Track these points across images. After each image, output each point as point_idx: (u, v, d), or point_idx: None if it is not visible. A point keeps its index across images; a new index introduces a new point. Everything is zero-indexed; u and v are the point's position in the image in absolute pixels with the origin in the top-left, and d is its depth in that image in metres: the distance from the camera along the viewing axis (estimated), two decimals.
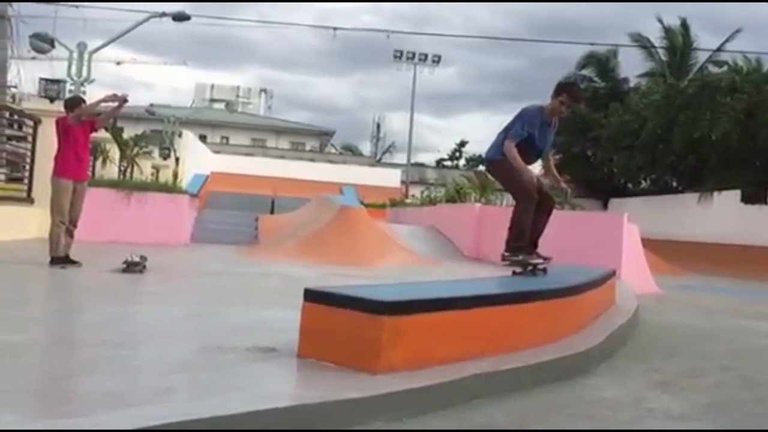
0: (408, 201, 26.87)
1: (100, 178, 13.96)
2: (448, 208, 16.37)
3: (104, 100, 7.38)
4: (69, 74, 18.60)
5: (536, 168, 5.68)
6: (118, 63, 41.96)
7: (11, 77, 16.64)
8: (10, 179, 11.95)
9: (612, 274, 6.41)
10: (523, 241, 5.16)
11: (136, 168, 24.35)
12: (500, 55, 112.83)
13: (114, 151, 20.55)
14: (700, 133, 20.12)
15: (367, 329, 3.13)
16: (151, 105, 43.58)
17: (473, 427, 2.94)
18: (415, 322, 3.26)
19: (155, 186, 13.74)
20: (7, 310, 4.39)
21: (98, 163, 18.78)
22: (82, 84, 18.18)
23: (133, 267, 6.80)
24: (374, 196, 29.68)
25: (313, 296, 3.38)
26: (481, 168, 25.35)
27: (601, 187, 26.95)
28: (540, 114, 5.26)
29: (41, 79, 20.51)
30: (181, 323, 4.51)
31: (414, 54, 39.94)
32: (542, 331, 4.15)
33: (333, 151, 59.20)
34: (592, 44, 29.72)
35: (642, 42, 27.52)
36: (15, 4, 14.69)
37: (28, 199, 10.23)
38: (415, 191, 33.71)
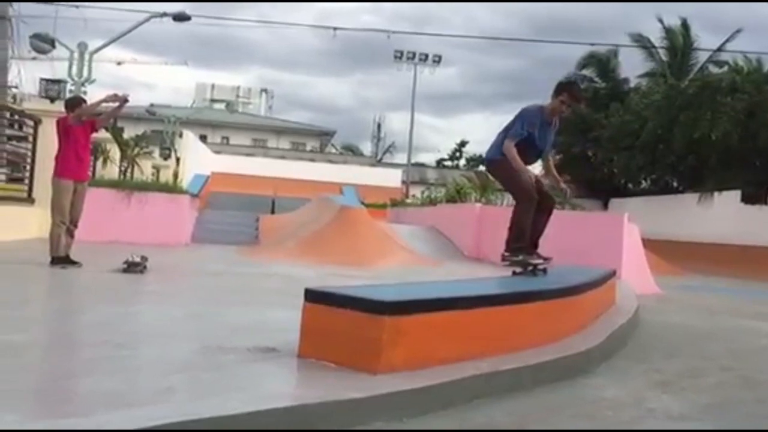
0: (408, 201, 26.86)
1: (100, 178, 13.97)
2: (449, 208, 16.37)
3: (105, 101, 7.38)
4: (69, 74, 18.61)
5: (537, 168, 5.68)
6: (119, 63, 42.00)
7: (12, 77, 16.67)
8: (11, 179, 11.96)
9: (612, 274, 6.41)
10: (523, 241, 5.15)
11: (136, 168, 24.35)
12: (501, 55, 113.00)
13: (114, 152, 20.57)
14: (701, 134, 20.12)
15: (368, 329, 3.13)
16: (152, 105, 43.57)
17: (474, 427, 2.94)
18: (415, 322, 3.26)
19: (156, 186, 13.74)
20: (7, 310, 4.39)
21: (99, 163, 18.80)
22: (82, 84, 18.18)
23: (133, 267, 6.80)
24: (375, 196, 29.66)
25: (313, 296, 3.38)
26: (482, 168, 25.35)
27: (602, 187, 26.95)
28: (540, 113, 5.25)
29: (42, 79, 20.49)
30: (181, 323, 4.52)
31: (414, 54, 39.92)
32: (543, 331, 4.15)
33: (333, 151, 59.21)
34: (592, 44, 29.72)
35: (642, 42, 27.52)
36: (15, 5, 14.70)
37: (29, 199, 10.24)
38: (416, 191, 33.71)
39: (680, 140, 21.08)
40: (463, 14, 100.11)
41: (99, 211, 9.59)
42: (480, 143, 75.77)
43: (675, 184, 25.30)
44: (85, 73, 18.31)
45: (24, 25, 16.13)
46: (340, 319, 3.22)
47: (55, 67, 23.28)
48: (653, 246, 13.20)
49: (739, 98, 19.87)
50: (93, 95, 14.71)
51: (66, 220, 6.99)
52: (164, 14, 19.10)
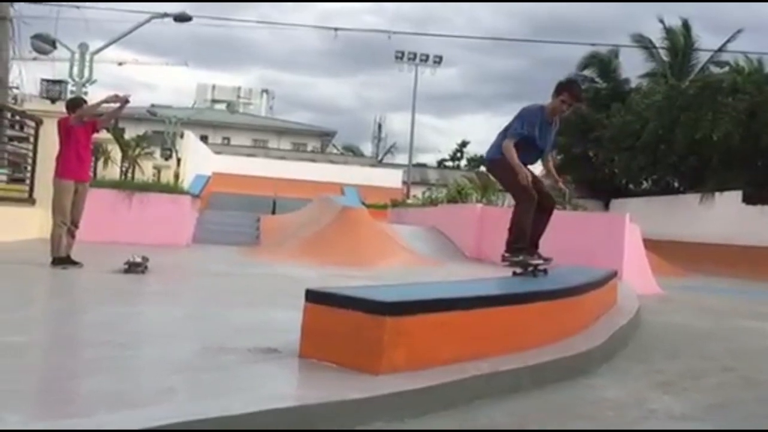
0: (409, 201, 26.85)
1: (101, 178, 13.98)
2: (450, 209, 16.37)
3: (106, 101, 7.39)
4: (71, 75, 18.63)
5: (537, 168, 5.68)
6: (120, 64, 42.14)
7: (13, 78, 16.65)
8: (12, 180, 11.98)
9: (613, 274, 6.41)
10: (523, 241, 5.15)
11: (137, 169, 24.37)
12: (502, 55, 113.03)
13: (116, 152, 20.59)
14: (702, 134, 20.09)
15: (369, 330, 3.13)
16: (153, 106, 43.60)
17: (475, 428, 2.94)
18: (416, 322, 3.26)
19: (157, 187, 13.76)
20: (9, 311, 4.40)
21: (100, 163, 18.82)
22: (83, 85, 18.19)
23: (134, 268, 6.80)
24: (376, 196, 29.66)
25: (314, 297, 3.38)
26: (483, 169, 25.34)
27: (603, 187, 26.92)
28: (540, 113, 5.25)
29: (43, 80, 20.56)
30: (182, 324, 4.52)
31: (415, 55, 39.89)
32: (544, 331, 4.15)
33: (334, 151, 59.22)
34: (593, 45, 29.72)
35: (643, 42, 27.49)
36: (16, 5, 14.68)
37: (30, 200, 10.25)
38: (417, 192, 33.70)
39: (681, 141, 21.06)
40: (465, 15, 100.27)
41: (100, 211, 9.60)
42: (481, 144, 75.91)
43: (676, 184, 25.26)
44: (86, 74, 18.32)
45: (25, 25, 16.09)
46: (341, 319, 3.22)
47: (56, 67, 23.32)
48: (654, 246, 13.19)
49: (741, 99, 19.84)
50: (94, 96, 14.71)
51: (67, 220, 7.00)
52: (165, 15, 19.09)
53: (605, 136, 25.18)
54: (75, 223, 7.12)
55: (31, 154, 10.63)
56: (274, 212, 22.81)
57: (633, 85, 28.23)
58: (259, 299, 5.93)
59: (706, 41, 30.74)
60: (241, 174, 34.75)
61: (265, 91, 66.90)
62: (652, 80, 27.10)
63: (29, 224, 9.69)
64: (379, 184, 36.61)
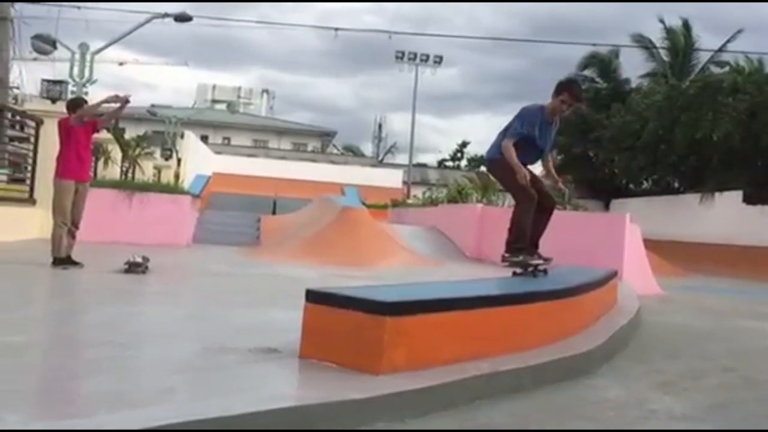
0: (410, 201, 26.84)
1: (102, 178, 13.97)
2: (450, 209, 16.37)
3: (106, 101, 7.39)
4: (71, 75, 18.64)
5: (537, 168, 5.68)
6: (120, 64, 42.07)
7: (13, 78, 16.68)
8: (12, 180, 11.97)
9: (614, 274, 6.41)
10: (523, 241, 5.15)
11: (137, 169, 24.36)
12: (502, 55, 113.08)
13: (116, 152, 20.58)
14: (702, 134, 20.09)
15: (369, 330, 3.13)
16: (153, 106, 43.60)
17: (475, 428, 2.94)
18: (416, 322, 3.26)
19: (157, 187, 13.76)
20: (9, 311, 4.40)
21: (100, 163, 18.81)
22: (84, 85, 18.20)
23: (135, 268, 6.81)
24: (376, 196, 29.65)
25: (315, 297, 3.38)
26: (483, 168, 25.33)
27: (603, 187, 26.92)
28: (540, 113, 5.24)
29: (43, 80, 20.56)
30: (183, 324, 4.52)
31: (415, 55, 39.88)
32: (544, 331, 4.15)
33: (335, 151, 59.21)
34: (593, 45, 29.74)
35: (644, 42, 27.50)
36: (17, 5, 14.70)
37: (30, 200, 10.25)
38: (417, 192, 33.70)
39: (681, 141, 21.06)
40: (466, 15, 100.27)
41: (100, 211, 9.60)
42: (481, 144, 75.88)
43: (676, 184, 25.26)
44: (86, 74, 18.33)
45: (25, 25, 16.14)
46: (341, 319, 3.22)
47: (57, 68, 23.36)
48: (654, 246, 13.19)
49: (741, 99, 19.83)
50: (94, 96, 14.73)
51: (67, 220, 7.00)
52: (166, 15, 19.10)
53: (605, 136, 25.18)
54: (75, 224, 7.12)
55: (31, 154, 10.63)
56: (274, 212, 22.81)
57: (633, 85, 28.24)
58: (260, 299, 5.93)
59: (706, 41, 30.74)
60: (241, 174, 34.72)
61: (266, 91, 66.92)
62: (652, 80, 27.10)
63: (30, 224, 9.69)
64: (379, 184, 36.58)
